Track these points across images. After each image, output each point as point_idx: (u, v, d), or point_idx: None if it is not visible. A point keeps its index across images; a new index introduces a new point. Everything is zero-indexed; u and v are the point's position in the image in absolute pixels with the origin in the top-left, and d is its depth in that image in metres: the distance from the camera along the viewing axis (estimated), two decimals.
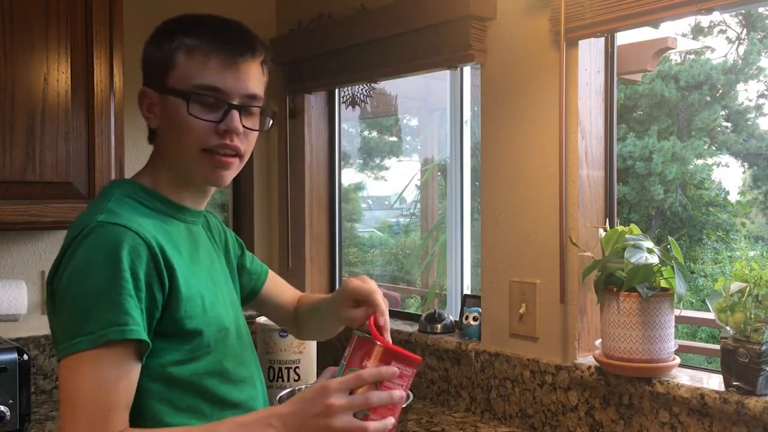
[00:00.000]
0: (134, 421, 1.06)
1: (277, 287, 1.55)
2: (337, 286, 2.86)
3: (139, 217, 1.11)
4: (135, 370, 1.05)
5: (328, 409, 0.98)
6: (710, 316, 1.65)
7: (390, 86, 4.82)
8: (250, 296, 1.50)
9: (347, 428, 0.98)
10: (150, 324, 1.07)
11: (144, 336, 1.03)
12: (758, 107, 11.46)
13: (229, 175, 1.16)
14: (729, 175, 13.72)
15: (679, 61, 10.99)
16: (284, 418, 1.01)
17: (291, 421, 1.00)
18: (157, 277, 1.07)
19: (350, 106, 2.68)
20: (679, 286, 1.67)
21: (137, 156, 2.44)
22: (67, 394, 1.00)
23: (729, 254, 10.59)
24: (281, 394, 1.55)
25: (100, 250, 1.03)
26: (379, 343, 1.04)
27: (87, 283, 1.01)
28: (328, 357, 2.57)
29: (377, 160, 10.00)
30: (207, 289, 1.18)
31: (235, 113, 1.12)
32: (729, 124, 11.44)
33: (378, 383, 1.01)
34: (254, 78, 1.16)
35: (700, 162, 10.98)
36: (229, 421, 1.05)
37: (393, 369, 1.02)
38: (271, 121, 1.21)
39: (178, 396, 1.11)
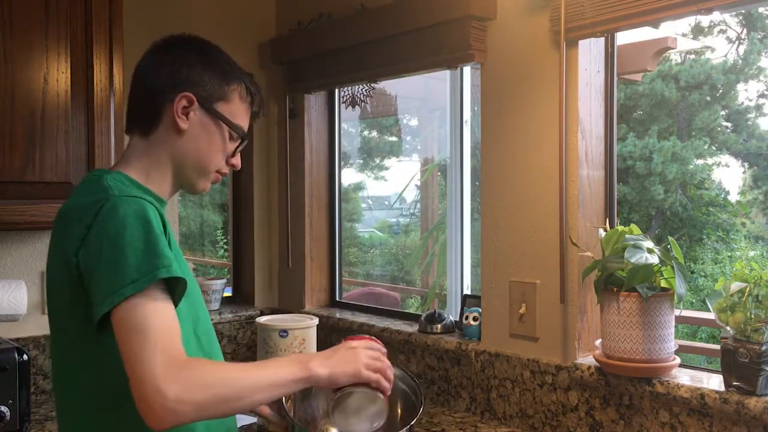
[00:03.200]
0: None
1: None
2: (338, 287, 2.86)
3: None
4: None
5: (355, 349, 1.26)
6: (710, 316, 1.65)
7: (390, 86, 4.81)
8: None
9: (372, 356, 1.26)
10: None
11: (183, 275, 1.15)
12: (758, 107, 11.45)
13: None
14: (729, 175, 13.73)
15: (679, 61, 10.98)
16: (321, 356, 1.24)
17: (326, 358, 1.23)
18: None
19: (350, 106, 2.68)
20: (679, 286, 1.67)
21: None
22: (135, 331, 1.08)
23: (729, 254, 10.59)
24: None
25: (129, 215, 1.14)
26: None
27: (125, 243, 1.12)
28: None
29: (377, 160, 10.00)
30: (182, 262, 1.30)
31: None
32: (729, 124, 11.43)
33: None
34: None
35: (700, 162, 10.98)
36: (275, 359, 1.28)
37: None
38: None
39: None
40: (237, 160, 1.39)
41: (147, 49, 1.35)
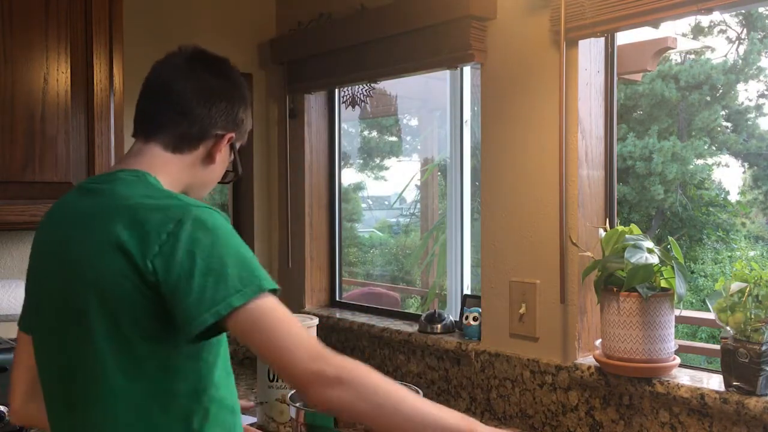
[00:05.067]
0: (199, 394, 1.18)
1: None
2: (338, 286, 2.86)
3: None
4: None
5: None
6: (710, 316, 1.65)
7: (390, 86, 4.81)
8: None
9: None
10: None
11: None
12: (758, 107, 11.44)
13: None
14: (729, 175, 13.71)
15: (679, 61, 10.98)
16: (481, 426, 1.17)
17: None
18: None
19: (350, 106, 2.68)
20: (679, 286, 1.67)
21: None
22: (273, 330, 1.10)
23: (729, 254, 10.58)
24: (292, 393, 1.65)
25: (221, 227, 1.15)
26: None
27: (224, 254, 1.12)
28: None
29: (377, 160, 10.00)
30: None
31: None
32: (729, 124, 11.42)
33: None
34: None
35: (700, 162, 10.96)
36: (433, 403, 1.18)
37: None
38: None
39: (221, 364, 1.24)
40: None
41: (176, 55, 1.29)
